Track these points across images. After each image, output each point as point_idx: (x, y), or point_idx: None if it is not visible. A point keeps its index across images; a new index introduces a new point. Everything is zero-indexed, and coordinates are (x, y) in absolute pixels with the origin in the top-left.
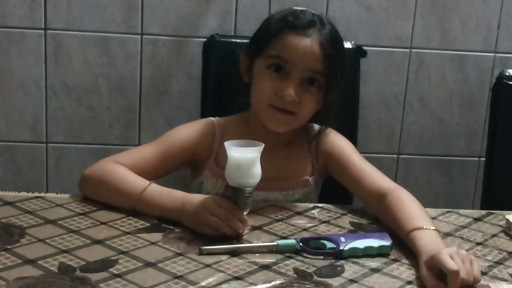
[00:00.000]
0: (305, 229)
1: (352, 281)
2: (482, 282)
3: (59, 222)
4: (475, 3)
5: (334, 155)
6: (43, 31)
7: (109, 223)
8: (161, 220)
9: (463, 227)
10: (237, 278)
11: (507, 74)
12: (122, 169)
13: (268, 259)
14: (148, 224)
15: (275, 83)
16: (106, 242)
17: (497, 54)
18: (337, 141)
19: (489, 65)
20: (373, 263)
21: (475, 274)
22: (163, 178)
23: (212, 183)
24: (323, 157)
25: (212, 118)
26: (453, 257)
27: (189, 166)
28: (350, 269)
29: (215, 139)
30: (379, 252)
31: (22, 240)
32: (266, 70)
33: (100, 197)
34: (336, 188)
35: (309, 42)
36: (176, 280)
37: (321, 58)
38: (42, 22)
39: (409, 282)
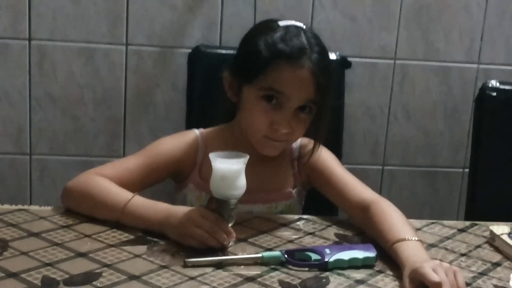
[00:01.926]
0: (290, 241)
1: None
2: None
3: (42, 235)
4: (459, 14)
5: (317, 167)
6: (27, 42)
7: (93, 236)
8: (146, 232)
9: (447, 238)
10: None
11: (490, 85)
12: (105, 181)
13: (253, 271)
14: (132, 237)
15: (269, 114)
16: (90, 255)
17: (480, 65)
18: (320, 153)
19: (472, 76)
20: (358, 274)
21: (459, 285)
22: (148, 189)
23: (196, 196)
24: (305, 169)
25: (195, 130)
26: (436, 269)
27: (172, 179)
28: (335, 280)
29: (199, 151)
30: (364, 264)
31: (5, 253)
32: (258, 101)
33: (83, 210)
34: (321, 200)
35: (302, 74)
36: None
37: (314, 88)
38: (27, 33)
39: None
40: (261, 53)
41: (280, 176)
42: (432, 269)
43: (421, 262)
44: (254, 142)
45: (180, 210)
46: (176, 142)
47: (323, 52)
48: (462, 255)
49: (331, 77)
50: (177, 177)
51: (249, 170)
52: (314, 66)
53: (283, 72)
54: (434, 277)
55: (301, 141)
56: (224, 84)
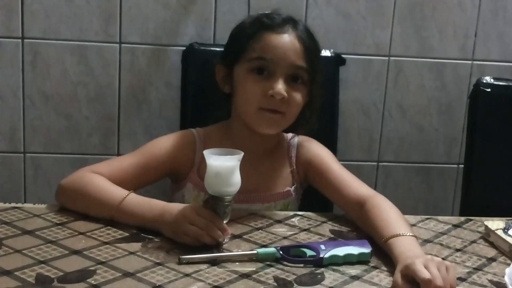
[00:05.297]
0: (285, 237)
1: None
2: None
3: (36, 232)
4: (452, 11)
5: (314, 163)
6: (20, 40)
7: (87, 233)
8: (140, 229)
9: (443, 233)
10: (217, 287)
11: (484, 81)
12: (99, 179)
13: (248, 267)
14: (127, 234)
15: (261, 84)
16: (84, 252)
17: (474, 62)
18: (317, 149)
19: (466, 73)
20: (353, 270)
21: (451, 281)
22: (144, 188)
23: (194, 196)
24: (303, 166)
25: (192, 130)
26: (428, 265)
27: (170, 178)
28: (330, 276)
29: (197, 151)
30: (359, 260)
31: None
32: (248, 73)
33: (77, 207)
34: (316, 196)
35: (288, 38)
36: None
37: (302, 53)
38: (19, 31)
39: None
40: (246, 30)
41: (279, 175)
42: (424, 264)
43: (413, 257)
44: (250, 118)
45: (175, 207)
46: (173, 142)
47: (307, 27)
48: (457, 250)
49: (317, 47)
50: (175, 177)
51: (248, 169)
52: (299, 33)
53: (269, 39)
54: (425, 274)
55: (299, 139)
56: (216, 78)
